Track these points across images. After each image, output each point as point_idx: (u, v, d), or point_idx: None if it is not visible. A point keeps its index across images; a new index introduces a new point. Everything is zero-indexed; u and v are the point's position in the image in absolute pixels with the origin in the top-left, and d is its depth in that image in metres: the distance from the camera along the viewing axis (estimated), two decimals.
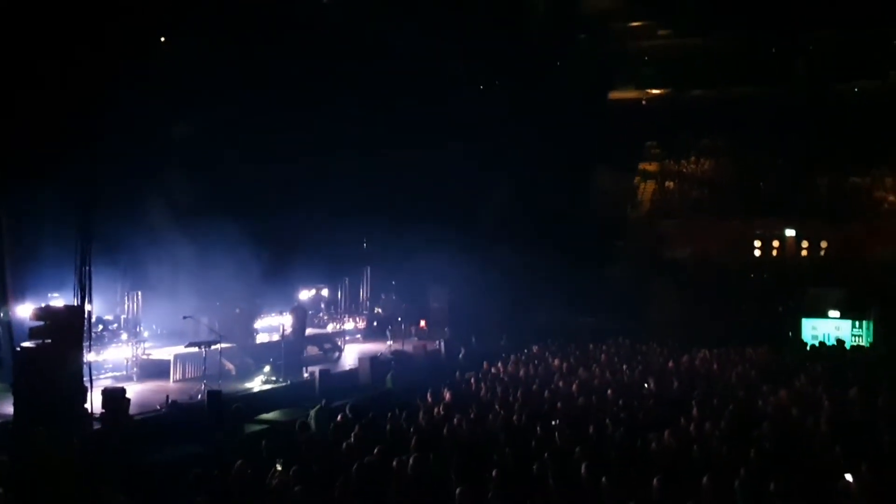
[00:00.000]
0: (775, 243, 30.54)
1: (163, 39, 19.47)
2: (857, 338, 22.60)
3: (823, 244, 29.85)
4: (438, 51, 26.90)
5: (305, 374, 17.57)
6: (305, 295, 23.91)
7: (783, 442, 10.78)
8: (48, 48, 14.82)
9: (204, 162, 19.77)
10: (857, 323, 22.90)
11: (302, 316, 19.55)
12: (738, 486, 8.63)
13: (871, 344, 22.22)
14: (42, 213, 14.95)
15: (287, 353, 18.00)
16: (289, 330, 19.14)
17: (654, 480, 8.68)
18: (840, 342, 21.45)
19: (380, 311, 25.97)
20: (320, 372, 17.04)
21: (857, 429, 11.46)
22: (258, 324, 20.27)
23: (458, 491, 8.36)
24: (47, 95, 14.67)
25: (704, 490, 8.53)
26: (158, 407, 13.90)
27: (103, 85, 15.06)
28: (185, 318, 16.59)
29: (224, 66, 19.57)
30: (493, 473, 8.95)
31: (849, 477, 8.80)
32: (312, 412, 13.11)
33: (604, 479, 8.69)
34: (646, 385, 15.44)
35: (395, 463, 9.51)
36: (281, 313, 21.10)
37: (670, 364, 17.88)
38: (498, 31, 29.28)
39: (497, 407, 13.26)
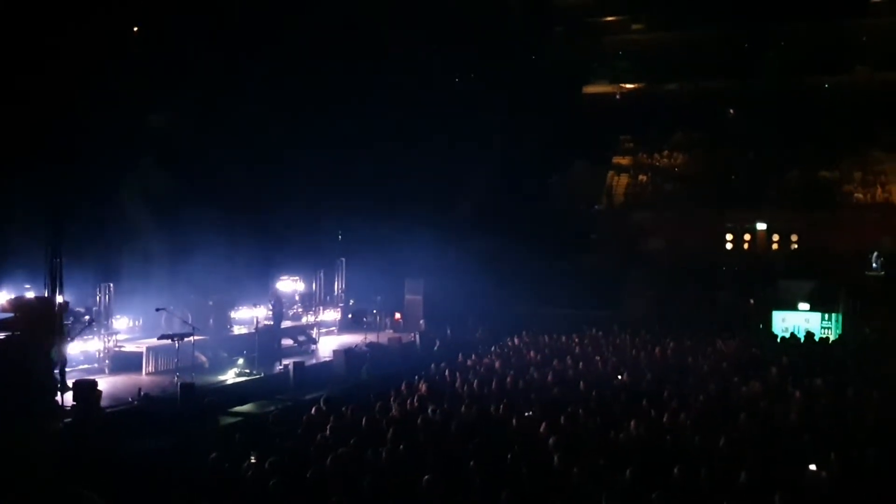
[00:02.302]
0: (746, 236, 30.88)
1: (136, 29, 19.24)
2: (826, 330, 22.90)
3: (794, 237, 30.24)
4: (414, 44, 26.86)
5: (279, 367, 17.52)
6: (284, 287, 23.80)
7: (753, 432, 10.94)
8: (19, 37, 14.61)
9: (177, 153, 19.59)
10: (826, 315, 23.19)
11: (279, 307, 19.45)
12: (709, 475, 8.75)
13: (839, 336, 22.54)
14: (13, 203, 14.74)
15: (261, 345, 17.96)
16: (263, 323, 19.09)
17: (627, 471, 8.79)
18: (809, 334, 21.74)
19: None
20: (294, 364, 17.00)
21: (827, 419, 11.66)
22: (232, 316, 20.15)
23: (424, 479, 8.42)
24: (17, 87, 14.45)
25: (676, 480, 8.65)
26: (131, 399, 13.80)
27: (76, 76, 14.89)
28: (157, 310, 16.48)
29: (199, 57, 19.38)
30: (472, 464, 9.01)
31: (812, 466, 8.96)
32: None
33: (575, 469, 8.78)
34: (619, 376, 15.57)
35: (367, 454, 9.56)
36: (255, 305, 21.00)
37: (643, 355, 18.04)
38: (474, 25, 29.28)
39: (472, 398, 13.32)
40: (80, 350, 16.02)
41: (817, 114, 32.65)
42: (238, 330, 19.94)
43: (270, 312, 19.55)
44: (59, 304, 14.16)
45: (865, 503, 8.20)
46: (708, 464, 9.07)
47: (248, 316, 20.53)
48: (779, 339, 21.24)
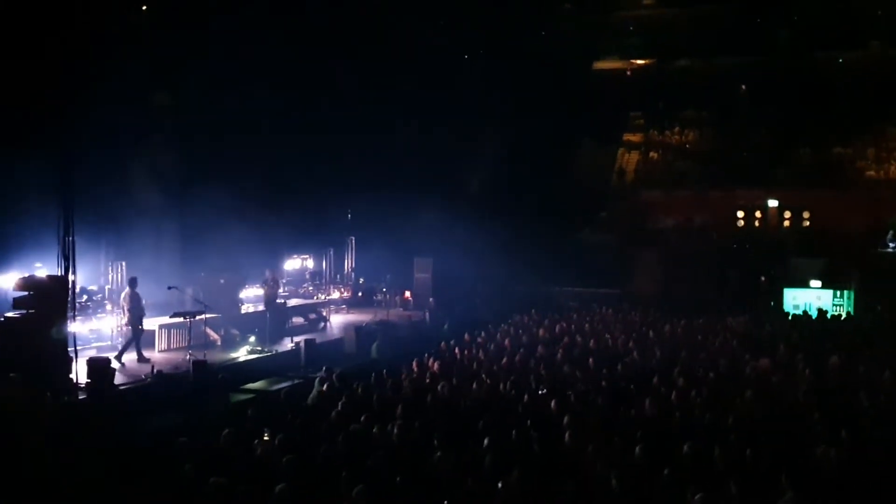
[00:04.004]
0: (758, 214, 30.71)
1: (144, 8, 19.16)
2: (838, 307, 22.84)
3: (806, 214, 30.06)
4: (422, 21, 26.69)
5: (290, 344, 17.62)
6: (291, 265, 23.89)
7: (763, 410, 10.95)
8: (29, 15, 14.58)
9: (188, 130, 19.58)
10: (838, 293, 23.12)
11: (272, 289, 19.28)
12: (718, 453, 8.77)
13: (851, 313, 22.48)
14: (25, 182, 14.78)
15: (272, 322, 18.05)
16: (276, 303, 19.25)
17: (637, 448, 8.82)
18: (822, 311, 21.69)
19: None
20: (306, 342, 17.10)
21: (838, 397, 11.65)
22: (243, 294, 20.24)
23: (436, 456, 8.49)
24: (29, 63, 14.44)
25: (685, 457, 8.68)
26: (144, 377, 13.91)
27: (86, 53, 14.86)
28: (169, 288, 16.54)
29: (208, 35, 19.30)
30: (488, 442, 9.04)
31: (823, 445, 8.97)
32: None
33: (592, 446, 8.83)
34: (631, 353, 15.58)
35: (376, 430, 9.63)
36: (265, 284, 21.07)
37: (652, 333, 18.05)
38: (482, 2, 29.05)
39: (483, 375, 13.37)
40: (91, 328, 16.12)
41: (830, 90, 32.33)
42: (249, 308, 20.02)
43: (263, 291, 19.45)
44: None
45: (875, 482, 8.20)
46: (718, 441, 9.10)
47: (259, 294, 20.59)
48: (790, 317, 21.20)
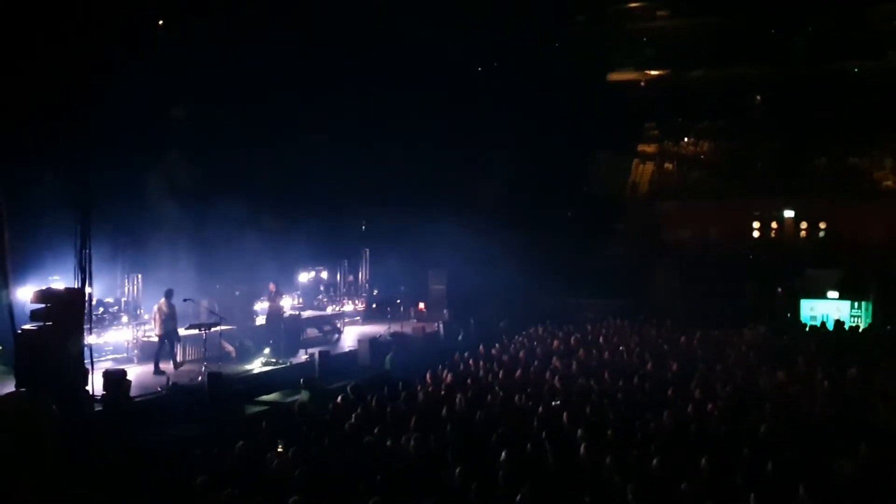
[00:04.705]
0: (774, 224, 30.56)
1: (161, 23, 19.33)
2: (855, 318, 22.65)
3: (822, 225, 29.88)
4: (437, 33, 26.76)
5: (305, 356, 17.64)
6: (305, 277, 23.94)
7: (781, 422, 10.84)
8: (46, 27, 14.73)
9: (204, 143, 19.70)
10: (855, 304, 22.93)
11: (275, 300, 19.31)
12: (737, 465, 8.69)
13: (869, 324, 22.27)
14: (42, 195, 14.92)
15: (287, 334, 18.09)
16: (288, 313, 19.26)
17: (653, 461, 8.76)
18: (839, 322, 21.51)
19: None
20: (320, 353, 17.13)
21: (856, 409, 11.53)
22: (257, 306, 20.30)
23: (450, 469, 8.46)
24: (46, 76, 14.58)
25: (703, 470, 8.60)
26: (159, 389, 13.96)
27: (103, 67, 14.99)
28: (185, 300, 16.62)
29: (223, 49, 19.45)
30: (503, 455, 8.99)
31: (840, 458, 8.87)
32: (305, 394, 13.24)
33: (608, 459, 8.77)
34: (646, 366, 15.48)
35: (390, 443, 9.60)
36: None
37: (668, 345, 17.93)
38: (496, 14, 29.10)
39: (497, 388, 13.33)
40: (108, 340, 16.22)
41: (846, 100, 32.15)
42: (263, 320, 20.05)
43: (267, 305, 19.49)
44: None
45: (893, 495, 8.10)
46: (735, 454, 9.02)
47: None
48: (807, 328, 21.03)
